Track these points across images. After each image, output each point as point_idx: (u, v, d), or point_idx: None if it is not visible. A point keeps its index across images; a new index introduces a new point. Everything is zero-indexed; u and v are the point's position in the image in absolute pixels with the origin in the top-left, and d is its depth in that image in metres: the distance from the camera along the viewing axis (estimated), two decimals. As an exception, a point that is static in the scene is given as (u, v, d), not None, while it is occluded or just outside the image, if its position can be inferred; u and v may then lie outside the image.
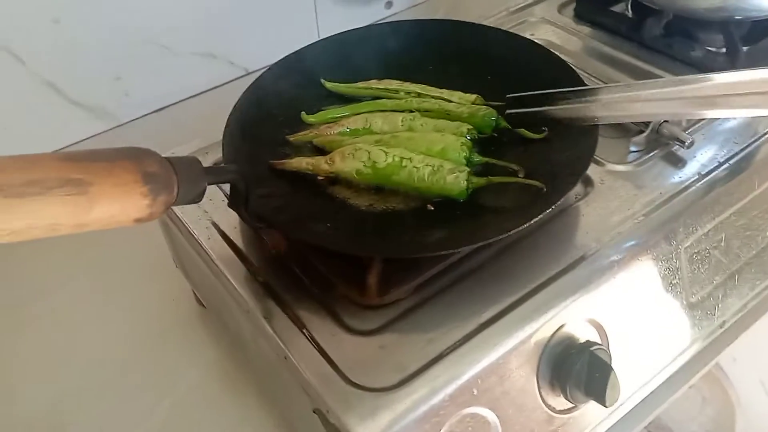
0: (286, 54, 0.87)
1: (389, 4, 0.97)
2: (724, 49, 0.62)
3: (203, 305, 0.60)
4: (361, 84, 0.54)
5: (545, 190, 0.43)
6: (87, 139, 0.79)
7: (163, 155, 0.37)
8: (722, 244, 0.50)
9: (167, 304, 0.62)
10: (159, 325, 0.61)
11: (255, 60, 0.88)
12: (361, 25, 0.94)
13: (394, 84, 0.53)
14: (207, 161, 0.54)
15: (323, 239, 0.42)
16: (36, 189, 0.31)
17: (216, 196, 0.50)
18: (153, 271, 0.63)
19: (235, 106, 0.50)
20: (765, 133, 0.54)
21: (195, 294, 0.60)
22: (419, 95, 0.53)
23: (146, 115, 0.82)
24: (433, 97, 0.52)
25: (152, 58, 0.79)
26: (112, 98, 0.78)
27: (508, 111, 0.50)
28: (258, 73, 0.87)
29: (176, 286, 0.61)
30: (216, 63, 0.85)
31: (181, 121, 0.82)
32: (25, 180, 0.31)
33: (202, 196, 0.38)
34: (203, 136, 0.57)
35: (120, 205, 0.34)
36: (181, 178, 0.36)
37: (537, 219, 0.41)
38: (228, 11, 0.81)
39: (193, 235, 0.49)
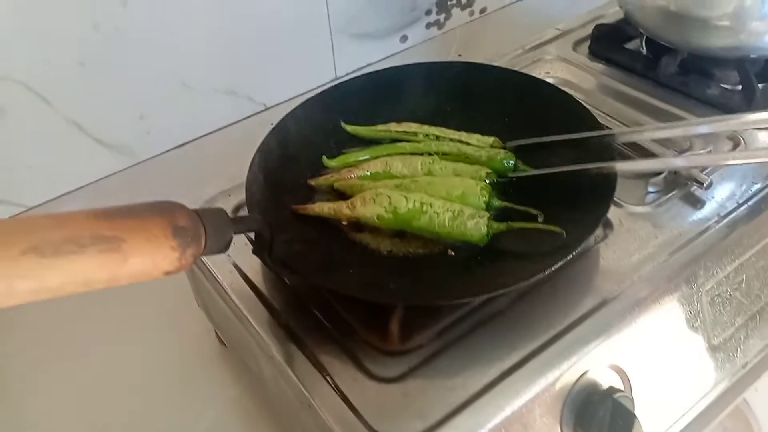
0: (304, 90, 0.89)
1: (404, 38, 0.98)
2: (740, 87, 0.62)
3: (225, 344, 0.60)
4: (380, 127, 0.55)
5: (564, 235, 0.43)
6: (110, 175, 0.81)
7: (191, 207, 0.38)
8: (743, 285, 0.50)
9: (189, 343, 0.63)
10: (181, 363, 0.61)
11: (274, 95, 0.89)
12: (377, 59, 0.97)
13: (413, 127, 0.54)
14: (230, 203, 0.55)
15: (345, 287, 0.42)
16: (71, 247, 0.32)
17: (239, 239, 0.50)
18: (175, 310, 0.64)
19: (257, 150, 0.51)
20: (783, 173, 0.54)
21: (217, 333, 0.61)
22: (438, 138, 0.54)
23: (168, 150, 0.84)
24: (451, 139, 0.53)
25: (174, 96, 0.80)
26: (134, 136, 0.80)
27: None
28: (276, 108, 0.89)
29: (198, 325, 0.62)
30: (236, 99, 0.86)
31: (203, 156, 0.84)
32: (60, 239, 0.32)
33: (229, 246, 0.39)
34: (225, 174, 0.58)
35: (151, 260, 0.35)
36: (209, 230, 0.37)
37: (556, 266, 0.41)
38: (246, 48, 0.83)
39: (216, 279, 0.49)
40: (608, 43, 0.69)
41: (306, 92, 0.89)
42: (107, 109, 0.76)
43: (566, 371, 0.42)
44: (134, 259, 0.34)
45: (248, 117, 0.89)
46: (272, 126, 0.54)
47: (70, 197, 0.78)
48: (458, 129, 0.54)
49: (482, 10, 1.05)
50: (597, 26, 0.71)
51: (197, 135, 0.86)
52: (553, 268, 0.41)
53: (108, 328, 0.65)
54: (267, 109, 0.90)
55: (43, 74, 0.70)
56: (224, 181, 0.57)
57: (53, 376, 0.61)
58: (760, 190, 0.52)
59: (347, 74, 0.95)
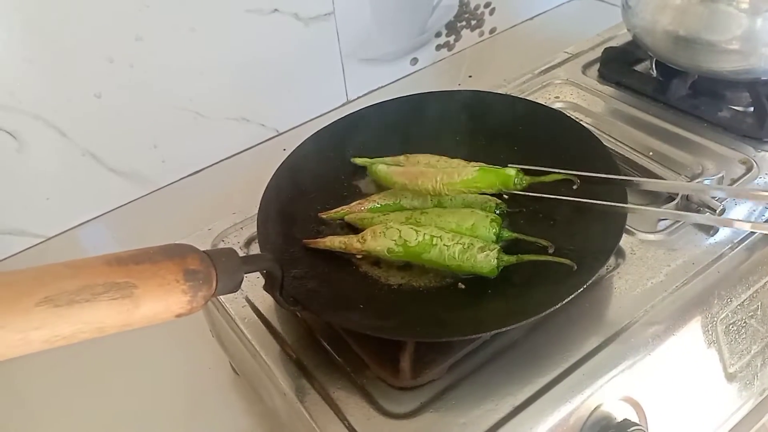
0: (316, 114, 0.90)
1: (415, 61, 0.99)
2: (751, 108, 0.61)
3: (239, 374, 0.60)
4: (389, 160, 0.56)
5: (575, 268, 0.43)
6: (127, 204, 0.82)
7: (208, 237, 0.39)
8: (758, 312, 0.49)
9: (203, 372, 0.63)
10: (194, 392, 0.62)
11: (286, 121, 0.90)
12: (388, 82, 0.97)
13: (421, 162, 0.54)
14: (242, 236, 0.56)
15: (356, 324, 0.42)
16: (84, 296, 0.32)
17: (252, 274, 0.51)
18: (190, 339, 0.65)
19: (266, 186, 0.52)
20: (798, 197, 0.53)
21: (231, 363, 0.61)
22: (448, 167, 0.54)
23: (183, 178, 0.85)
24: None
25: (187, 125, 0.82)
26: (149, 165, 0.81)
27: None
28: (289, 134, 0.90)
29: (213, 354, 0.63)
30: (248, 126, 0.87)
31: (217, 183, 0.85)
32: (74, 288, 0.32)
33: (239, 286, 0.40)
34: (238, 201, 0.58)
35: (163, 304, 0.35)
36: (220, 271, 0.38)
37: (567, 300, 0.41)
38: (257, 75, 0.84)
39: (228, 313, 0.50)
40: (618, 66, 0.69)
41: (318, 116, 0.91)
42: (122, 140, 0.78)
43: (580, 405, 0.41)
44: (146, 305, 0.34)
45: (261, 143, 0.90)
46: (285, 151, 0.55)
47: (87, 227, 0.80)
48: (468, 159, 0.54)
49: (492, 30, 1.05)
50: (606, 49, 0.71)
51: (211, 162, 0.87)
52: (564, 302, 0.41)
53: (124, 356, 0.65)
54: (280, 134, 0.91)
55: (59, 107, 0.72)
56: (233, 213, 0.58)
57: (69, 403, 0.61)
58: (774, 215, 0.52)
59: (358, 97, 0.95)
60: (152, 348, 0.65)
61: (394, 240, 0.47)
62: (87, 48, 0.70)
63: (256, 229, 0.50)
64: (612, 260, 0.49)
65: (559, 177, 0.48)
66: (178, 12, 0.74)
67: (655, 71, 0.69)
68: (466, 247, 0.45)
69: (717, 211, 0.51)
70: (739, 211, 0.52)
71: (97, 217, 0.81)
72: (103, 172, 0.78)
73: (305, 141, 0.56)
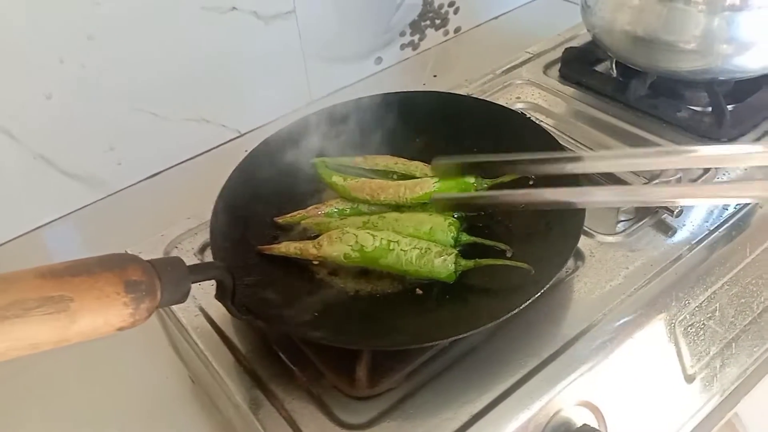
0: (279, 115, 0.88)
1: (379, 60, 0.98)
2: (709, 109, 0.62)
3: (195, 382, 0.59)
4: (347, 161, 0.54)
5: (533, 272, 0.43)
6: (81, 208, 0.79)
7: (161, 243, 0.37)
8: (717, 313, 0.49)
9: (161, 381, 0.62)
10: (152, 401, 0.60)
11: (247, 121, 0.88)
12: (352, 81, 0.96)
13: (380, 164, 0.53)
14: (196, 242, 0.54)
15: (310, 333, 0.41)
16: (16, 311, 0.31)
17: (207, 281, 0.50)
18: (147, 347, 0.63)
19: (220, 193, 0.50)
20: (754, 197, 0.53)
21: (188, 371, 0.59)
22: (404, 176, 0.53)
23: (140, 181, 0.83)
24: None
25: (144, 127, 0.79)
26: (105, 168, 0.79)
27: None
28: (251, 134, 0.89)
29: (170, 363, 0.61)
30: (208, 126, 0.85)
31: (175, 185, 0.83)
32: (5, 303, 0.30)
33: (187, 296, 0.38)
34: (198, 204, 0.56)
35: (102, 318, 0.33)
36: (165, 281, 0.36)
37: (525, 304, 0.40)
38: (218, 76, 0.82)
39: (180, 322, 0.48)
40: (578, 66, 0.69)
41: (281, 116, 0.89)
42: (76, 142, 0.75)
43: (539, 411, 0.41)
44: (84, 319, 0.33)
45: (222, 144, 0.88)
46: (246, 152, 0.53)
47: (41, 231, 0.77)
48: (427, 161, 0.54)
49: (456, 30, 1.05)
50: (567, 49, 0.71)
51: (170, 164, 0.85)
52: (521, 307, 0.40)
53: (79, 365, 0.63)
54: (242, 135, 0.89)
55: (8, 110, 0.69)
56: (187, 218, 0.56)
57: (26, 412, 0.59)
58: (731, 216, 0.52)
59: (322, 98, 0.94)
60: (109, 357, 0.63)
61: (351, 245, 0.46)
62: (36, 48, 0.68)
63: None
64: (571, 263, 0.49)
65: (515, 176, 0.48)
66: (131, 10, 0.72)
67: (614, 71, 0.69)
68: (423, 251, 0.45)
69: (674, 213, 0.51)
70: (696, 211, 0.52)
71: (52, 221, 0.78)
72: (56, 175, 0.76)
73: (261, 143, 0.54)
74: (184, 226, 0.55)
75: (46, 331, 0.32)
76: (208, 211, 0.52)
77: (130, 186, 0.82)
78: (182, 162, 0.85)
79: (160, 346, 0.60)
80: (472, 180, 0.48)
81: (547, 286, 0.41)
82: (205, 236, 0.53)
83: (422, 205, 0.49)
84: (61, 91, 0.71)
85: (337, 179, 0.52)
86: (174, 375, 0.61)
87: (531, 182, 0.50)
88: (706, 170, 0.55)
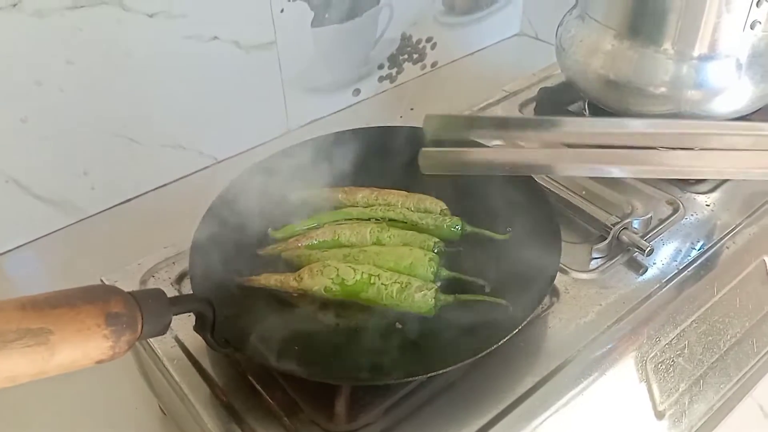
0: (256, 143, 0.88)
1: (357, 92, 0.99)
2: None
3: (166, 414, 0.58)
4: (326, 193, 0.55)
5: (510, 309, 0.44)
6: (53, 232, 0.78)
7: (137, 272, 0.37)
8: (686, 351, 0.51)
9: (129, 412, 0.60)
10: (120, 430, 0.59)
11: (224, 149, 0.88)
12: (330, 112, 0.97)
13: (359, 194, 0.54)
14: (174, 272, 0.54)
15: (289, 367, 0.41)
16: (-6, 343, 0.30)
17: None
18: (116, 377, 0.62)
19: (201, 219, 0.50)
20: (721, 238, 0.55)
21: (159, 403, 0.58)
22: (387, 205, 0.53)
23: (114, 206, 0.82)
24: (398, 207, 0.53)
25: (119, 151, 0.79)
26: (78, 192, 0.78)
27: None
28: (228, 162, 0.88)
29: (139, 393, 0.60)
30: (185, 153, 0.85)
31: (150, 211, 0.82)
32: (-17, 335, 0.30)
33: (167, 329, 0.38)
34: (172, 231, 0.56)
35: (81, 351, 0.33)
36: (146, 314, 0.36)
37: (503, 341, 0.41)
38: (195, 102, 0.82)
39: (156, 353, 0.48)
40: (552, 105, 0.71)
41: (258, 145, 0.89)
42: (49, 166, 0.74)
43: (515, 448, 0.41)
44: (63, 352, 0.32)
45: (198, 171, 0.87)
46: (223, 179, 0.53)
47: (12, 255, 0.76)
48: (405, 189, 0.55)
49: (433, 64, 1.07)
50: (541, 89, 0.73)
51: (145, 190, 0.84)
52: (499, 344, 0.41)
53: (44, 394, 0.62)
54: (218, 162, 0.89)
55: (-20, 131, 0.68)
56: (164, 247, 0.56)
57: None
58: (700, 255, 0.54)
59: (300, 127, 0.95)
60: (76, 386, 0.62)
61: (332, 278, 0.46)
62: (13, 69, 0.67)
63: (188, 265, 0.48)
64: (546, 299, 0.50)
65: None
66: (113, 36, 0.72)
67: (587, 111, 0.71)
68: (404, 286, 0.45)
69: (646, 251, 0.52)
70: (666, 250, 0.54)
71: (23, 245, 0.77)
72: (27, 199, 0.74)
73: (243, 173, 0.55)
74: (162, 255, 0.55)
75: (24, 364, 0.31)
76: (185, 239, 0.52)
77: (103, 211, 0.81)
78: (157, 188, 0.85)
79: (130, 376, 0.59)
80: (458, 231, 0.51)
81: (524, 323, 0.42)
82: (182, 265, 0.53)
83: (402, 237, 0.50)
84: (37, 115, 0.71)
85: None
86: (144, 405, 0.60)
87: (509, 229, 0.51)
88: (675, 210, 0.58)
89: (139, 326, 0.36)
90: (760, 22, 0.56)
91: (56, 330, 0.32)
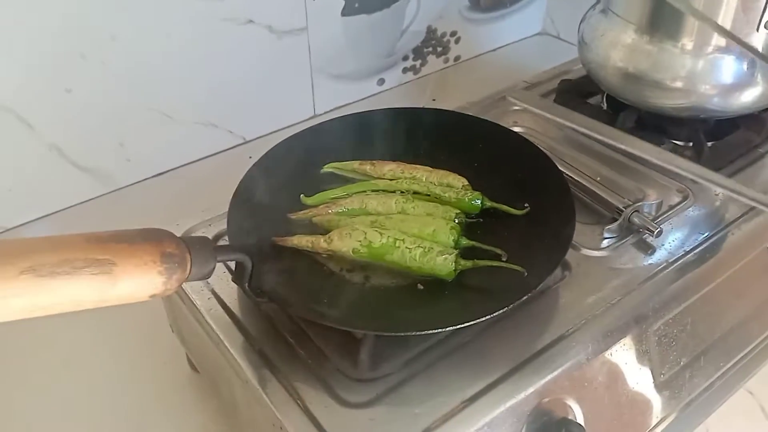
0: (283, 126, 0.92)
1: (381, 81, 1.03)
2: (690, 143, 0.67)
3: (196, 370, 0.62)
4: (356, 164, 0.59)
5: (526, 274, 0.47)
6: (89, 200, 0.82)
7: (176, 233, 0.40)
8: (689, 327, 0.54)
9: (160, 367, 0.64)
10: (150, 387, 0.62)
11: (253, 129, 0.92)
12: (355, 99, 1.01)
13: (386, 173, 0.57)
14: (210, 232, 0.57)
15: (320, 316, 0.45)
16: (65, 269, 0.34)
17: (218, 267, 0.53)
18: (147, 333, 0.65)
19: (238, 185, 0.53)
20: (727, 224, 0.58)
21: (188, 358, 0.62)
22: (413, 177, 0.57)
23: (148, 178, 0.86)
24: (423, 180, 0.57)
25: (155, 126, 0.83)
26: (114, 163, 0.82)
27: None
28: (256, 142, 0.92)
29: (170, 350, 0.63)
30: (216, 131, 0.89)
31: (181, 185, 0.86)
32: (56, 261, 0.34)
33: (212, 273, 0.42)
34: (203, 204, 0.60)
35: (139, 283, 0.37)
36: (194, 257, 0.40)
37: (517, 302, 0.44)
38: (228, 83, 0.86)
39: (194, 304, 0.51)
40: (572, 97, 0.74)
41: (285, 128, 0.93)
42: (89, 136, 0.78)
43: (523, 401, 0.44)
44: (124, 282, 0.36)
45: (228, 149, 0.91)
46: (251, 159, 0.57)
47: (48, 220, 0.80)
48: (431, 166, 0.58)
49: (456, 58, 1.10)
50: (562, 81, 0.76)
51: (177, 164, 0.88)
52: (513, 305, 0.44)
53: (76, 352, 0.65)
54: (246, 142, 0.93)
55: (28, 100, 0.72)
56: (202, 211, 0.59)
57: (24, 396, 0.61)
58: (706, 239, 0.57)
59: (326, 112, 0.98)
60: (110, 344, 0.66)
61: (360, 241, 0.49)
62: (60, 42, 0.71)
63: (224, 227, 0.52)
64: (559, 273, 0.53)
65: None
66: (155, 15, 0.76)
67: (605, 104, 0.74)
68: (426, 250, 0.48)
69: (655, 233, 0.55)
70: (674, 234, 0.57)
71: (58, 211, 0.81)
72: (66, 166, 0.79)
73: (278, 144, 0.58)
74: (199, 217, 0.58)
75: (90, 291, 0.35)
76: (217, 207, 0.55)
77: (136, 182, 0.85)
78: (188, 163, 0.89)
79: (161, 333, 0.63)
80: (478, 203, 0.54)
81: (538, 287, 0.45)
82: (219, 227, 0.56)
83: (425, 208, 0.53)
84: (81, 86, 0.75)
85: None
86: (173, 362, 0.64)
87: (526, 205, 0.54)
88: (684, 197, 0.61)
89: (189, 267, 0.39)
90: (774, 22, 0.59)
91: (118, 262, 0.36)
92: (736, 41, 0.55)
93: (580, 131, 0.64)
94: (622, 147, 0.62)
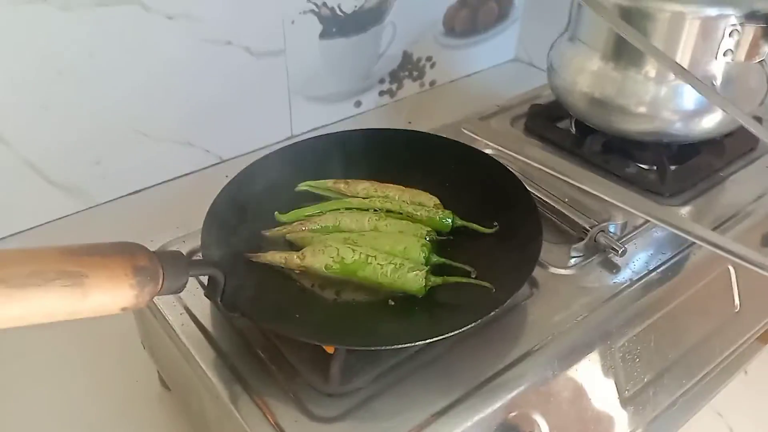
0: (260, 146, 0.93)
1: (358, 103, 1.05)
2: (654, 167, 0.69)
3: (167, 387, 0.61)
4: (330, 184, 0.60)
5: (494, 291, 0.48)
6: (62, 218, 0.82)
7: (150, 249, 0.41)
8: (652, 344, 0.55)
9: (131, 385, 0.64)
10: (120, 404, 0.62)
11: (230, 149, 0.93)
12: (332, 121, 1.02)
13: (360, 189, 0.58)
14: (184, 248, 0.57)
15: (292, 331, 0.45)
16: (36, 280, 0.34)
17: (190, 283, 0.53)
18: (119, 350, 0.65)
19: (214, 200, 0.54)
20: (689, 244, 0.60)
21: (159, 376, 0.62)
22: (386, 197, 0.58)
23: (123, 196, 0.86)
24: (396, 199, 0.58)
25: (131, 144, 0.83)
26: (90, 180, 0.82)
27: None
28: (232, 162, 0.93)
29: (141, 367, 0.63)
30: (192, 150, 0.90)
31: (157, 203, 0.86)
32: (27, 272, 0.34)
33: (184, 287, 0.42)
34: (178, 222, 0.60)
35: (111, 296, 0.37)
36: (167, 271, 0.40)
37: (485, 318, 0.45)
38: (205, 102, 0.87)
39: (166, 320, 0.51)
40: (542, 121, 0.76)
41: (262, 148, 0.94)
42: (64, 153, 0.78)
43: (490, 415, 0.45)
44: (95, 295, 0.36)
45: (204, 168, 0.92)
46: (227, 178, 0.58)
47: (21, 237, 0.79)
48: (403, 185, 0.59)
49: (432, 83, 1.13)
50: (532, 105, 0.79)
51: (153, 183, 0.88)
52: (481, 320, 0.45)
53: (47, 368, 0.65)
54: (223, 161, 0.94)
55: (4, 115, 0.72)
56: (177, 228, 0.59)
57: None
58: (669, 259, 0.59)
59: (303, 133, 1.00)
60: (79, 360, 0.65)
61: (332, 257, 0.50)
62: (38, 58, 0.71)
63: (198, 243, 0.52)
64: (527, 290, 0.54)
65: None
66: (134, 33, 0.77)
67: (574, 128, 0.76)
68: (397, 266, 0.49)
69: (619, 252, 0.57)
70: (638, 253, 0.59)
71: (34, 227, 0.80)
72: (41, 183, 0.78)
73: (254, 162, 0.59)
74: (173, 234, 0.59)
75: (61, 302, 0.35)
76: (193, 225, 0.56)
77: (112, 200, 0.85)
78: (164, 182, 0.89)
79: (132, 351, 0.63)
80: (449, 222, 0.56)
81: (506, 302, 0.46)
82: (193, 244, 0.57)
83: (399, 225, 0.54)
84: (58, 103, 0.75)
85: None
86: (144, 380, 0.64)
87: (495, 224, 0.56)
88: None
89: (161, 280, 0.40)
90: (732, 51, 0.62)
91: (90, 274, 0.36)
92: (686, 79, 0.58)
93: (530, 164, 0.66)
94: (567, 180, 0.64)
